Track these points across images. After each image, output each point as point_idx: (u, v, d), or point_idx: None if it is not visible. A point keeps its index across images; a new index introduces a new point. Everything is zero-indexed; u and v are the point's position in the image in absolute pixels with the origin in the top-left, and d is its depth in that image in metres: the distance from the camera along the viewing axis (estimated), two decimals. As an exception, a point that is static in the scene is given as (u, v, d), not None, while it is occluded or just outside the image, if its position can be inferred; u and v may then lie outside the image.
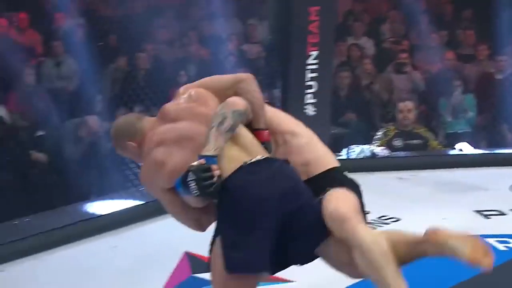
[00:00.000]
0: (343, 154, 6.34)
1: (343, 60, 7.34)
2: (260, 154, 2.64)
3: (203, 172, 2.49)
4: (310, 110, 5.83)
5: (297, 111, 5.76)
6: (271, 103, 5.31)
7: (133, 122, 2.77)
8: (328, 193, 2.67)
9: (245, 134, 2.67)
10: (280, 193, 2.57)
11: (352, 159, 6.34)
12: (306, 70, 5.74)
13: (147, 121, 2.77)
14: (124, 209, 5.01)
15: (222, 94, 2.71)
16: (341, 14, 7.70)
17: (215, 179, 2.50)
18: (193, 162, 2.52)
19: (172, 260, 4.29)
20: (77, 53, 5.72)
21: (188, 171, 2.50)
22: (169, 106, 2.75)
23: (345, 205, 2.62)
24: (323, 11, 5.64)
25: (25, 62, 6.12)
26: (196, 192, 2.50)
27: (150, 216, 4.98)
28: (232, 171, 2.55)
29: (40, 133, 5.83)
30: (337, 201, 2.63)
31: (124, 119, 2.86)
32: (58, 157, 5.58)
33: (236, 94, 2.71)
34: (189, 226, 2.73)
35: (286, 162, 2.71)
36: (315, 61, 5.75)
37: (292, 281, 4.08)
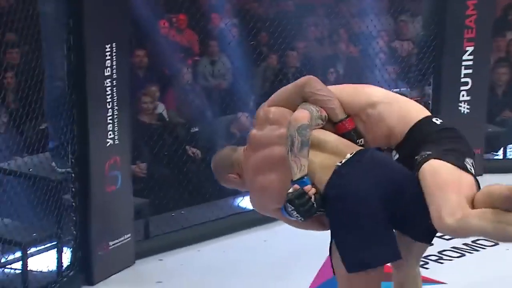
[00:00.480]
0: (500, 154, 6.09)
1: (501, 56, 7.01)
2: (349, 151, 2.69)
3: (298, 199, 2.59)
4: (464, 108, 5.64)
5: (450, 109, 5.61)
6: (422, 101, 5.19)
7: (229, 155, 2.91)
8: (420, 176, 2.62)
9: (328, 138, 2.74)
10: (376, 185, 2.62)
11: (510, 159, 6.09)
12: (461, 66, 5.56)
13: (241, 152, 2.89)
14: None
15: (293, 103, 2.82)
16: (500, 7, 7.35)
17: (312, 200, 2.60)
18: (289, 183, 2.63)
19: (319, 258, 4.31)
20: (230, 52, 5.86)
21: (286, 201, 2.61)
22: (256, 134, 2.85)
23: (444, 205, 2.56)
24: (481, 4, 5.44)
25: (183, 61, 6.38)
26: (300, 218, 2.62)
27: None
28: (328, 176, 2.63)
29: (195, 129, 6.03)
30: (434, 200, 2.57)
31: (220, 154, 2.99)
32: (212, 152, 5.74)
33: (304, 99, 2.82)
34: (313, 229, 2.82)
35: (376, 149, 2.77)
36: (470, 57, 5.55)
37: (444, 283, 4.00)
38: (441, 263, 4.27)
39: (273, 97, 2.92)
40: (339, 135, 2.79)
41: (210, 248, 4.56)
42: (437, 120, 2.87)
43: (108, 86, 3.95)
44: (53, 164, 3.97)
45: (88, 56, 3.83)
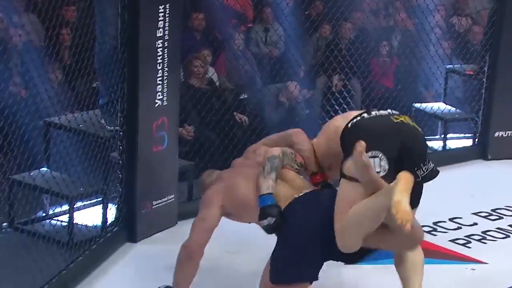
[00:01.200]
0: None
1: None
2: (306, 189, 3.25)
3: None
4: (522, 85, 5.51)
5: (505, 88, 5.50)
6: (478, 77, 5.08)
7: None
8: None
9: (294, 177, 3.32)
10: (323, 222, 3.11)
11: None
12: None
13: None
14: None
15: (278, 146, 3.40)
16: None
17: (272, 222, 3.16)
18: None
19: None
20: (284, 20, 5.84)
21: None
22: (239, 160, 3.65)
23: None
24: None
25: (236, 27, 6.38)
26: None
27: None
28: (287, 203, 3.18)
29: (243, 95, 6.05)
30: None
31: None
32: (260, 119, 5.77)
33: (287, 145, 3.41)
34: (193, 239, 3.36)
35: (330, 191, 3.29)
36: (532, 33, 5.43)
37: (486, 263, 3.97)
38: (484, 243, 4.24)
39: (265, 140, 3.62)
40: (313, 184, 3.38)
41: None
42: None
43: (160, 47, 3.98)
44: (102, 121, 4.03)
45: (142, 16, 3.85)
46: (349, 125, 3.17)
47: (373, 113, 3.22)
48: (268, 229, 3.18)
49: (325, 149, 3.36)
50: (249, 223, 3.40)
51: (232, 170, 3.56)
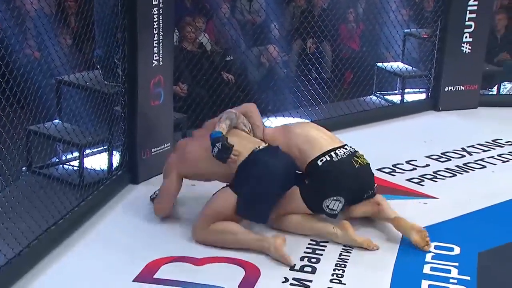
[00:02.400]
0: (494, 90, 6.00)
1: (504, 3, 6.79)
2: (261, 143, 3.41)
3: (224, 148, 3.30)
4: (466, 48, 5.51)
5: (454, 48, 5.49)
6: (431, 40, 5.05)
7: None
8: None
9: (248, 136, 3.46)
10: (286, 172, 3.35)
11: (503, 94, 6.01)
12: (466, 10, 5.40)
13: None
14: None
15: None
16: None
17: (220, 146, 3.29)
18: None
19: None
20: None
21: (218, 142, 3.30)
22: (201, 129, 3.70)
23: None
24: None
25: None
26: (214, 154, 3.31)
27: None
28: (248, 153, 3.31)
29: (229, 57, 6.00)
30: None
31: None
32: (243, 78, 5.73)
33: (243, 113, 3.54)
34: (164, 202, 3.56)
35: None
36: (475, 3, 5.39)
37: (437, 198, 4.01)
38: (435, 181, 4.27)
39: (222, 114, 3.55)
40: None
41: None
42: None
43: (155, 14, 3.91)
44: (101, 77, 3.96)
45: (139, -14, 3.78)
46: (319, 163, 3.38)
47: (340, 154, 3.44)
48: (220, 156, 3.27)
49: (272, 141, 3.49)
50: (209, 180, 3.51)
51: (189, 138, 3.62)
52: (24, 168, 3.82)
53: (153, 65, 4.00)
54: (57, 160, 3.99)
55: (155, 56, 4.00)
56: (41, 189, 3.48)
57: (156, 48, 3.99)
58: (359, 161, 3.48)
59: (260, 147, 3.37)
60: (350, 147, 3.56)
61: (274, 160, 3.33)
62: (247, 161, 3.31)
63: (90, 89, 3.90)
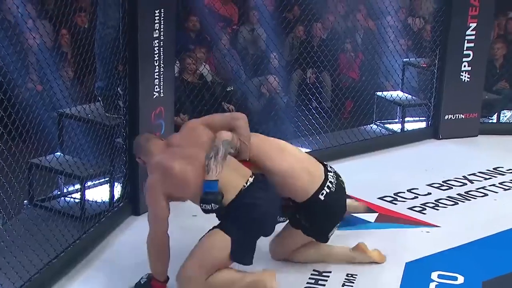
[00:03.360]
0: (494, 118, 6.02)
1: (500, 33, 6.85)
2: (249, 175, 3.07)
3: (215, 198, 2.97)
4: (465, 77, 5.55)
5: (453, 77, 5.53)
6: (430, 69, 5.11)
7: (142, 143, 3.25)
8: None
9: (238, 165, 3.09)
10: (276, 210, 3.15)
11: (503, 122, 6.03)
12: (464, 40, 5.45)
13: (154, 145, 3.20)
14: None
15: (220, 128, 3.11)
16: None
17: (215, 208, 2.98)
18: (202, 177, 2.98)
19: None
20: (265, 22, 5.81)
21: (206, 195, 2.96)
22: (175, 136, 3.27)
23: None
24: (485, -15, 5.30)
25: (224, 29, 6.36)
26: (207, 208, 2.99)
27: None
28: (237, 191, 3.00)
29: (230, 88, 6.03)
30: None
31: (137, 139, 3.37)
32: (244, 108, 5.76)
33: (230, 128, 3.10)
34: (156, 231, 3.07)
35: (267, 180, 3.15)
36: (473, 32, 5.45)
37: (439, 226, 4.00)
38: (437, 209, 4.26)
39: (208, 117, 3.27)
40: None
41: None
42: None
43: (156, 46, 3.95)
44: (103, 109, 3.98)
45: (140, 20, 3.82)
46: (322, 197, 3.26)
47: (332, 180, 3.33)
48: (207, 212, 2.99)
49: (256, 165, 3.21)
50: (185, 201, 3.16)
51: (168, 150, 3.12)
52: (25, 201, 3.82)
53: (154, 96, 4.03)
54: (59, 192, 3.99)
55: (156, 88, 4.03)
56: (43, 222, 3.47)
57: (157, 80, 4.02)
58: (341, 178, 3.43)
59: (248, 183, 3.05)
60: (326, 164, 3.42)
61: (265, 201, 3.06)
62: (237, 202, 3.02)
63: (92, 121, 3.91)
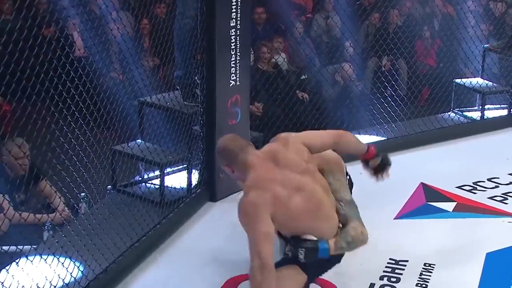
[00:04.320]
0: None
1: None
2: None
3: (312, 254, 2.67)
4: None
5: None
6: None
7: (236, 152, 2.68)
8: None
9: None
10: None
11: None
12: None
13: (253, 155, 2.67)
14: (369, 142, 5.02)
15: (322, 146, 2.75)
16: None
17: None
18: (307, 214, 2.64)
19: (408, 189, 4.27)
20: (341, 9, 5.75)
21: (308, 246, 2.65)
22: (280, 152, 2.67)
23: None
24: None
25: (298, 17, 6.36)
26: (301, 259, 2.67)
27: (391, 150, 4.95)
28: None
29: (304, 76, 6.03)
30: None
31: (230, 144, 2.74)
32: (318, 96, 5.75)
33: (335, 148, 2.78)
34: (264, 256, 2.52)
35: None
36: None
37: None
38: (519, 200, 4.13)
39: (308, 136, 2.80)
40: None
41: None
42: None
43: (233, 35, 4.00)
44: (181, 98, 4.07)
45: (218, 9, 3.88)
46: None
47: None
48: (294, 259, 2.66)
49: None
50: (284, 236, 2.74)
51: (267, 174, 2.64)
52: (109, 186, 3.97)
53: (231, 85, 4.08)
54: (140, 178, 4.12)
55: (233, 76, 4.09)
56: (126, 207, 3.60)
57: (233, 68, 4.07)
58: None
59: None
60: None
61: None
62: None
63: (170, 109, 4.01)
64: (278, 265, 2.64)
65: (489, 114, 5.58)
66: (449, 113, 5.59)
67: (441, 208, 3.97)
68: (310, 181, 2.65)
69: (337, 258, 2.83)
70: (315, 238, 2.67)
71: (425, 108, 5.64)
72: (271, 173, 2.62)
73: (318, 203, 2.65)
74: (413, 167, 4.61)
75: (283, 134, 2.80)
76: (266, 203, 2.57)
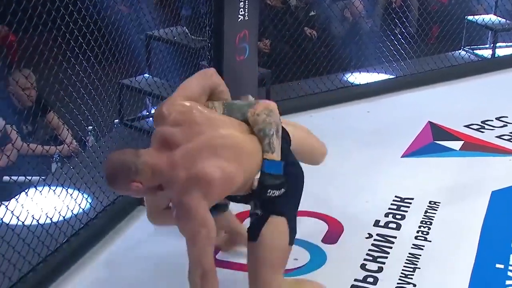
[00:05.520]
0: None
1: None
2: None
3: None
4: None
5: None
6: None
7: (132, 161, 2.21)
8: None
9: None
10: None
11: None
12: None
13: (148, 154, 2.24)
14: (378, 80, 5.02)
15: (203, 92, 2.40)
16: None
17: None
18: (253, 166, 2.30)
19: (416, 127, 4.26)
20: None
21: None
22: (166, 134, 2.24)
23: None
24: None
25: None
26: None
27: (400, 88, 4.94)
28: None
29: (313, 12, 5.92)
30: None
31: (119, 160, 2.23)
32: (327, 33, 5.66)
33: (211, 88, 2.44)
34: (207, 261, 2.21)
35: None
36: None
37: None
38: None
39: (182, 90, 2.41)
40: None
41: (320, 115, 4.58)
42: None
43: (241, -32, 3.90)
44: (187, 32, 4.01)
45: None
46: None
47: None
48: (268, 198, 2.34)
49: None
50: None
51: (181, 155, 2.22)
52: (116, 120, 3.96)
53: (239, 19, 4.00)
54: (147, 113, 4.11)
55: (241, 11, 4.00)
56: (133, 141, 3.61)
57: (242, 3, 3.98)
58: None
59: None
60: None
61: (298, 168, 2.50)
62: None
63: (178, 43, 3.96)
64: (254, 237, 2.38)
65: (500, 52, 5.50)
66: (459, 51, 5.51)
67: (448, 147, 3.97)
68: (210, 136, 2.28)
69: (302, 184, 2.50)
70: (258, 175, 2.35)
71: (435, 46, 5.56)
72: (170, 158, 2.22)
73: (236, 145, 2.31)
74: (421, 105, 4.60)
75: (156, 113, 2.39)
76: (200, 201, 2.21)
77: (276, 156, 2.34)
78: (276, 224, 2.39)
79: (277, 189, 2.34)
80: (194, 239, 2.18)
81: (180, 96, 2.37)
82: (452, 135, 4.11)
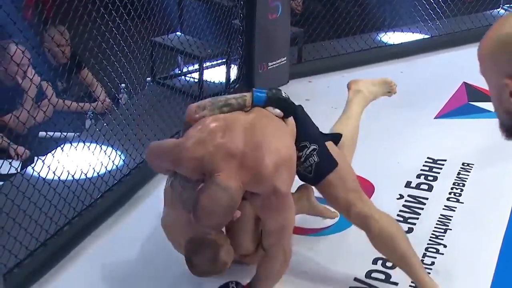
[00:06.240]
0: None
1: None
2: None
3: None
4: None
5: None
6: None
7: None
8: None
9: None
10: None
11: None
12: None
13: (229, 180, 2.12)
14: (412, 40, 4.93)
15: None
16: None
17: None
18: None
19: (450, 88, 4.19)
20: None
21: None
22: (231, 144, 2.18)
23: None
24: None
25: None
26: None
27: (435, 48, 4.84)
28: None
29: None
30: None
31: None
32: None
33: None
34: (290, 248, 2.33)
35: None
36: None
37: None
38: None
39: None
40: None
41: (353, 75, 4.47)
42: None
43: None
44: None
45: None
46: None
47: None
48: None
49: None
50: None
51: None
52: (148, 78, 3.98)
53: (272, -23, 3.96)
54: (179, 71, 4.12)
55: (274, -32, 3.95)
56: (165, 99, 3.62)
57: (275, -40, 3.93)
58: None
59: None
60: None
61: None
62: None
63: (210, 1, 3.93)
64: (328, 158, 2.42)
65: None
66: (498, 9, 5.35)
67: (483, 108, 3.90)
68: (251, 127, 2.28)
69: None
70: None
71: (473, 4, 5.41)
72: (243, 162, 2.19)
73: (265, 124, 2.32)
74: (456, 66, 4.50)
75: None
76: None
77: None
78: (330, 151, 2.42)
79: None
80: (290, 229, 2.26)
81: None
82: (487, 96, 4.01)
